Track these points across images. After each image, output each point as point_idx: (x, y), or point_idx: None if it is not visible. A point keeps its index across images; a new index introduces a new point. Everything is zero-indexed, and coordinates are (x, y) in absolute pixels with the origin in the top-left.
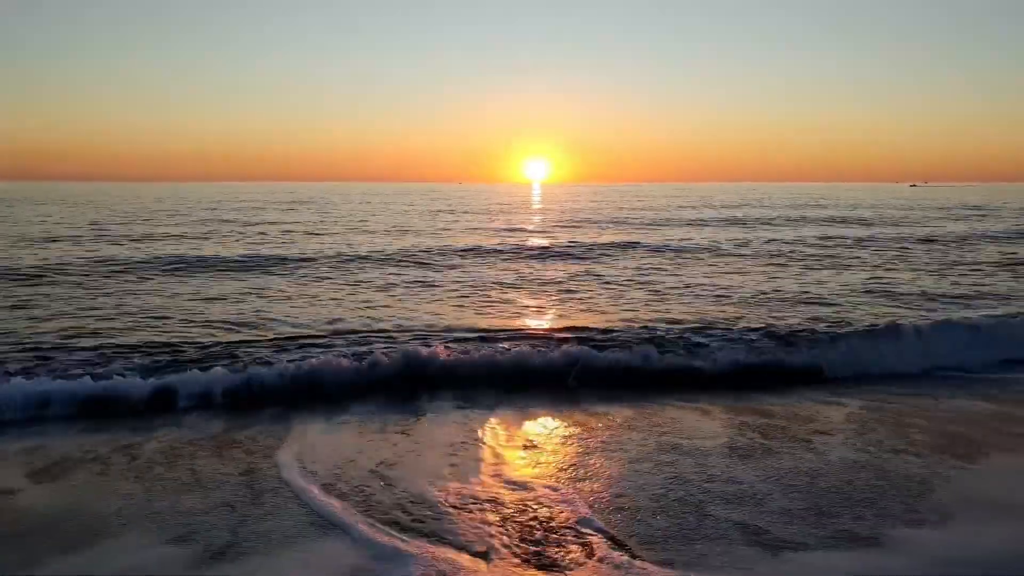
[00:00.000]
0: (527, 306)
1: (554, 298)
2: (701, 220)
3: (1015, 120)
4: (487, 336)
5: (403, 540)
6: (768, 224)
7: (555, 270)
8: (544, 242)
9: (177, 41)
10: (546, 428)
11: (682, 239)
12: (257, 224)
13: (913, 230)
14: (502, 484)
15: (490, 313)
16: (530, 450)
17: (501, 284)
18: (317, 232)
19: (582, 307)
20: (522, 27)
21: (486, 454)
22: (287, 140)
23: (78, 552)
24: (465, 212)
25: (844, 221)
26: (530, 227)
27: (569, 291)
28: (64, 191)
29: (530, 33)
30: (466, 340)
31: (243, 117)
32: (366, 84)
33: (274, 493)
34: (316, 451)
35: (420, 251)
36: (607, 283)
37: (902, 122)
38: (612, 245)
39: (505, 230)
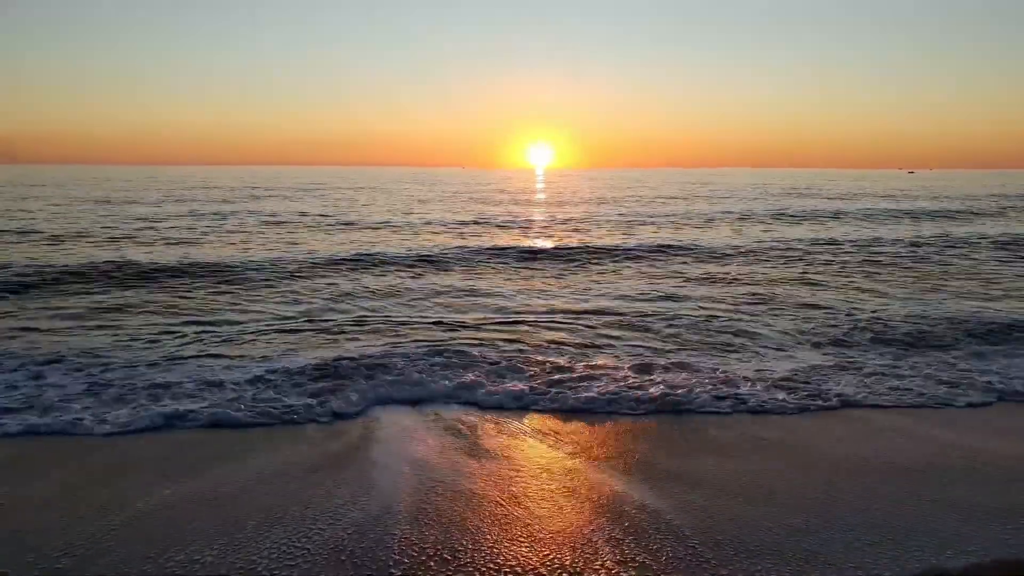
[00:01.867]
0: None
1: None
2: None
3: (1001, 109)
4: None
5: None
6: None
7: None
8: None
9: (178, 27)
10: None
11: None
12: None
13: None
14: None
15: None
16: None
17: None
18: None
19: None
20: (526, 11)
21: None
22: (286, 124)
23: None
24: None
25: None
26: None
27: None
28: (78, 174)
29: (534, 17)
30: None
31: (242, 102)
32: (368, 68)
33: None
34: None
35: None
36: None
37: (891, 110)
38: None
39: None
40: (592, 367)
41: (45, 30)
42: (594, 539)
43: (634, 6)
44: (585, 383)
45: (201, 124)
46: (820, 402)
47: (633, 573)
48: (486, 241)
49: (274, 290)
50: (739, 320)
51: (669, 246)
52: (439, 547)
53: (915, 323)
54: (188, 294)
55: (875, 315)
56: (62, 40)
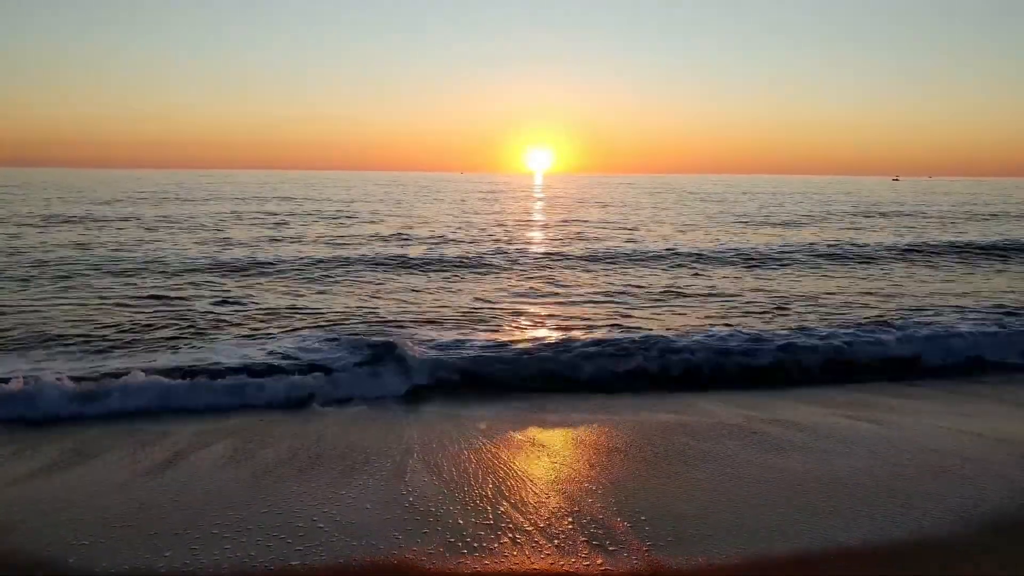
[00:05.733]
0: None
1: None
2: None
3: (983, 117)
4: None
5: None
6: None
7: None
8: None
9: (174, 28)
10: None
11: None
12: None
13: None
14: None
15: None
16: None
17: None
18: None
19: None
20: (525, 13)
21: None
22: (283, 129)
23: None
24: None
25: None
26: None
27: None
28: (83, 178)
29: (532, 19)
30: None
31: (239, 106)
32: (364, 72)
33: None
34: None
35: None
36: None
37: (876, 118)
38: None
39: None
40: None
41: None
42: None
43: (637, 6)
44: None
45: (184, 126)
46: None
47: None
48: None
49: None
50: None
51: None
52: None
53: None
54: None
55: None
56: None
